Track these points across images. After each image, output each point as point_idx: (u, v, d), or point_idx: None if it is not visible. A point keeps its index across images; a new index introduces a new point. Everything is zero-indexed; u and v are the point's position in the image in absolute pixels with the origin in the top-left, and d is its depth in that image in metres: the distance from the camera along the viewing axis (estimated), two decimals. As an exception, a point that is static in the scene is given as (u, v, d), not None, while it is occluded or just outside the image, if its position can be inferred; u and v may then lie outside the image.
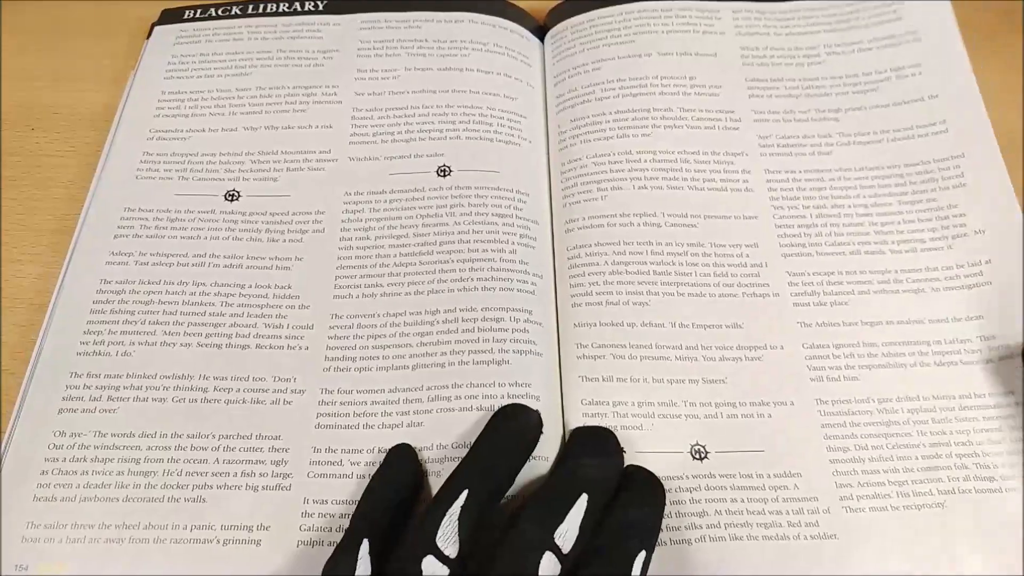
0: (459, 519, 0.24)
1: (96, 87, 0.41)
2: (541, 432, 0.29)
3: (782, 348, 0.31)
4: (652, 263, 0.33)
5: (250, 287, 0.33)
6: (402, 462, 0.28)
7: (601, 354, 0.31)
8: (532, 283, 0.33)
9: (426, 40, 0.41)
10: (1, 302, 0.34)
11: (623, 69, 0.39)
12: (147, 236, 0.34)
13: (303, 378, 0.31)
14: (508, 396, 0.30)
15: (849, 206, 0.35)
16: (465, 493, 0.25)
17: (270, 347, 0.32)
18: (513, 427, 0.28)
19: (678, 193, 0.35)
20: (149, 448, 0.29)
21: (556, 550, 0.24)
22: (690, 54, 0.40)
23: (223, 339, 0.32)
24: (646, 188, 0.35)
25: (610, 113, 0.38)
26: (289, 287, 0.33)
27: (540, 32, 0.43)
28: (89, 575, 0.27)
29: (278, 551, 0.27)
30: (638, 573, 0.24)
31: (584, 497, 0.25)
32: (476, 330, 0.31)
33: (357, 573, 0.24)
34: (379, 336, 0.32)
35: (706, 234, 0.34)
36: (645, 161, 0.36)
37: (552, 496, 0.25)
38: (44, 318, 0.32)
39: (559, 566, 0.23)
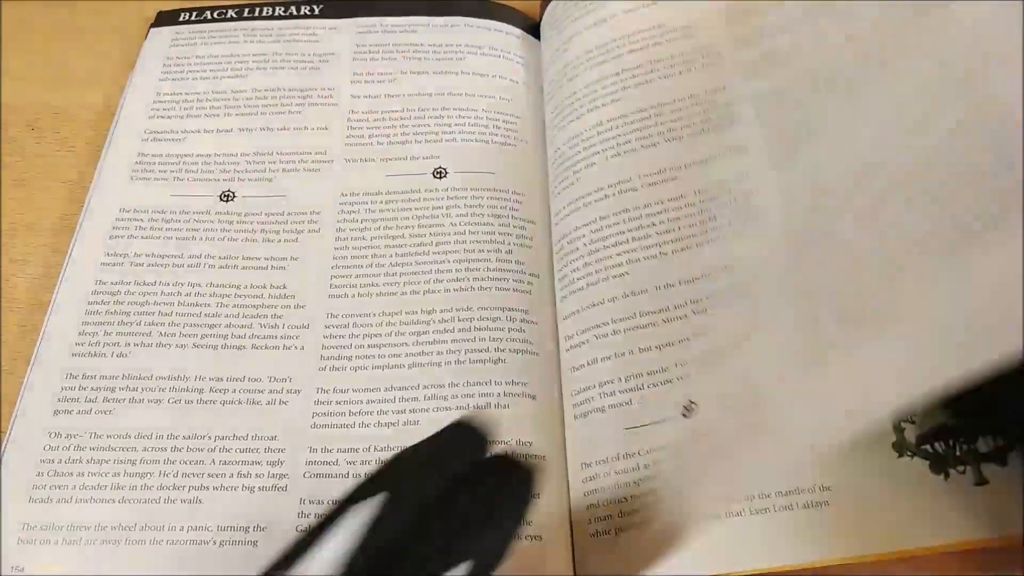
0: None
1: (95, 87, 0.41)
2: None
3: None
4: (630, 230, 0.32)
5: (245, 287, 0.33)
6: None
7: (585, 339, 0.31)
8: (528, 283, 0.33)
9: (422, 44, 0.41)
10: (1, 302, 0.34)
11: (589, 40, 0.38)
12: (142, 237, 0.34)
13: (299, 378, 0.31)
14: (504, 394, 0.30)
15: None
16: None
17: (266, 347, 0.32)
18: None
19: (653, 150, 0.33)
20: (145, 449, 0.29)
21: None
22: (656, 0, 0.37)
23: (219, 340, 0.32)
24: (619, 155, 0.34)
25: (581, 89, 0.37)
26: (284, 287, 0.33)
27: (537, 32, 0.42)
28: (85, 576, 0.27)
29: (275, 552, 0.27)
30: None
31: (381, 497, 0.20)
32: (472, 329, 0.31)
33: None
34: (375, 336, 0.32)
35: (688, 184, 0.32)
36: (616, 128, 0.35)
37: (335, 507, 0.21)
38: (43, 318, 0.32)
39: None
